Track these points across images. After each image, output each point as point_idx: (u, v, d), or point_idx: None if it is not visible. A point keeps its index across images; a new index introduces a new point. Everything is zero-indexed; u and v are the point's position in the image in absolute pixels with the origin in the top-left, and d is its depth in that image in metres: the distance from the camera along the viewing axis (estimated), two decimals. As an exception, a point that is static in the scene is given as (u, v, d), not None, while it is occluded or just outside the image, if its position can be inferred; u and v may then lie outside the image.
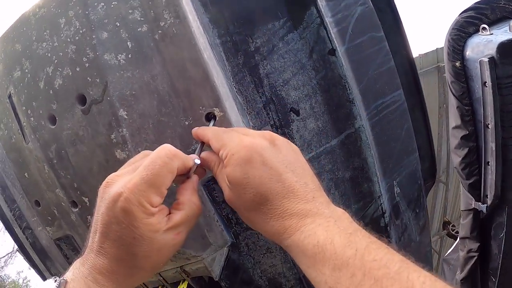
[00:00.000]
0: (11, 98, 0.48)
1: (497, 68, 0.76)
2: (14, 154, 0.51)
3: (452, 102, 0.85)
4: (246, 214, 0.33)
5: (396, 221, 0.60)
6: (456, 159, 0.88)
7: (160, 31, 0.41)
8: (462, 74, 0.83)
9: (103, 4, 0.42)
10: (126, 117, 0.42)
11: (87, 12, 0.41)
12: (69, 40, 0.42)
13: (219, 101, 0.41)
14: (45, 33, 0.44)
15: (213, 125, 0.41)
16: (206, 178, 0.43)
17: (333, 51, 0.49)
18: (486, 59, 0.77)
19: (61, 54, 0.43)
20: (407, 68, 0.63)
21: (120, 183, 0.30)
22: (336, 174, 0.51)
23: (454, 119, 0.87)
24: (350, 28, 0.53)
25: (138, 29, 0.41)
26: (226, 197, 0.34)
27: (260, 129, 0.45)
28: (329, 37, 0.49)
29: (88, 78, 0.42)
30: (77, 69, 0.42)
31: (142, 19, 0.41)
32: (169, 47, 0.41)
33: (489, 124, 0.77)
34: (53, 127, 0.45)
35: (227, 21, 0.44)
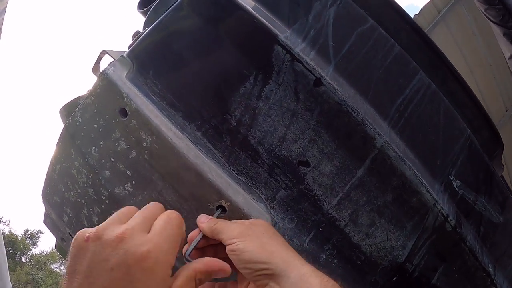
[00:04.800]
0: (72, 236, 0.56)
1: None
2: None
3: (496, 31, 0.66)
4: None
5: (466, 217, 0.51)
6: None
7: (146, 151, 0.42)
8: (496, -6, 0.63)
9: (94, 147, 0.44)
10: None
11: (86, 160, 0.45)
12: (86, 185, 0.47)
13: (221, 193, 0.40)
14: (68, 183, 0.50)
15: (220, 216, 0.40)
16: None
17: (318, 81, 0.42)
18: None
19: (86, 197, 0.48)
20: (417, 40, 0.50)
21: (140, 240, 0.28)
22: (375, 203, 0.45)
23: (506, 48, 0.68)
24: (330, 40, 0.45)
25: (130, 157, 0.43)
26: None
27: (274, 198, 0.43)
28: (307, 68, 0.42)
29: (112, 211, 0.46)
30: (102, 206, 0.47)
31: (128, 146, 0.43)
32: (159, 162, 0.42)
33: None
34: (108, 252, 0.51)
35: (199, 110, 0.42)
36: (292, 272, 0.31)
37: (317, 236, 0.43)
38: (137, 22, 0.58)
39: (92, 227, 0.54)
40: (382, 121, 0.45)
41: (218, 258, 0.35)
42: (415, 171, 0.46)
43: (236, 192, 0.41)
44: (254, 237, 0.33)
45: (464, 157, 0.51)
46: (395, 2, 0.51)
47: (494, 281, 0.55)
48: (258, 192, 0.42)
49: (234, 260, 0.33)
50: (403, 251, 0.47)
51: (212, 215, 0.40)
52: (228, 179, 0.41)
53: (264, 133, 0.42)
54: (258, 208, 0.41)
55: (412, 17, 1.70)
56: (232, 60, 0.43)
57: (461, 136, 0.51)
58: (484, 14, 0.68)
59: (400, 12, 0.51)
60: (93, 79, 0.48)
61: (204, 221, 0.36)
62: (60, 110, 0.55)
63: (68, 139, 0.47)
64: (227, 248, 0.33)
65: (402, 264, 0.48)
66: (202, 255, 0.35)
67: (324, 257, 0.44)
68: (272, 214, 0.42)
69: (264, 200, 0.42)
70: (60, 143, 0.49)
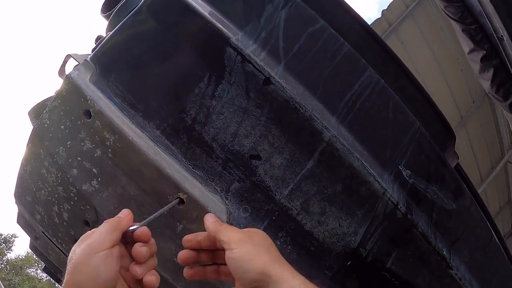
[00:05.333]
0: (45, 233, 0.62)
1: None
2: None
3: (456, 27, 0.73)
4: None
5: (417, 204, 0.57)
6: (486, 84, 0.76)
7: (110, 150, 0.48)
8: (453, -8, 0.70)
9: (62, 147, 0.50)
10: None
11: (55, 159, 0.51)
12: (55, 183, 0.53)
13: (179, 186, 0.46)
14: (39, 182, 0.55)
15: (179, 206, 0.46)
16: None
17: (267, 80, 0.48)
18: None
19: (56, 195, 0.54)
20: (368, 40, 0.57)
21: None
22: (325, 193, 0.52)
23: (466, 44, 0.75)
24: (280, 41, 0.51)
25: (95, 155, 0.49)
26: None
27: (228, 189, 0.49)
28: (256, 68, 0.48)
29: (81, 207, 0.52)
30: (71, 203, 0.53)
31: (93, 145, 0.49)
32: (122, 160, 0.48)
33: (502, 35, 0.64)
34: (80, 247, 0.57)
35: (157, 110, 0.48)
36: (283, 285, 0.35)
37: (271, 224, 0.50)
38: (103, 24, 0.63)
39: (63, 223, 0.60)
40: (331, 116, 0.51)
41: (213, 264, 0.40)
42: (363, 162, 0.52)
43: (192, 185, 0.47)
44: (252, 247, 0.37)
45: (414, 148, 0.57)
46: (346, 3, 0.57)
47: (450, 264, 0.62)
48: (214, 185, 0.48)
49: (231, 267, 0.37)
50: (355, 237, 0.54)
51: (175, 206, 0.46)
52: (185, 173, 0.47)
53: (218, 129, 0.48)
54: (214, 200, 0.47)
55: (381, 12, 1.78)
56: (188, 62, 0.49)
57: (410, 129, 0.57)
58: (444, 11, 0.75)
59: (350, 13, 0.57)
60: (59, 81, 0.53)
61: (211, 220, 0.41)
62: (29, 112, 0.61)
63: (37, 141, 0.53)
64: (226, 254, 0.37)
65: (355, 249, 0.54)
66: (198, 257, 0.41)
67: (279, 243, 0.50)
68: (227, 204, 0.48)
69: (219, 191, 0.48)
70: (29, 144, 0.54)
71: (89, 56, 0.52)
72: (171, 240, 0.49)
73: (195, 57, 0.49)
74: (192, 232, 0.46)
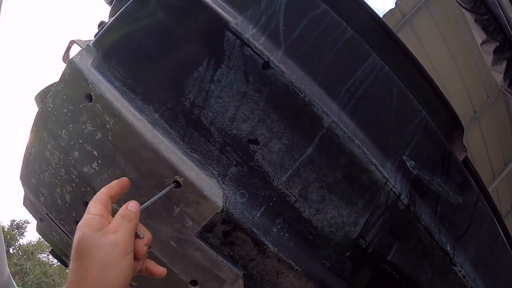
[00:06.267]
0: (49, 215, 0.66)
1: None
2: (70, 250, 0.70)
3: (468, 17, 0.72)
4: None
5: (421, 196, 0.57)
6: (498, 76, 0.75)
7: (110, 132, 0.50)
8: (469, -24, 0.69)
9: (64, 130, 0.53)
10: (118, 207, 0.53)
11: (57, 142, 0.54)
12: (58, 165, 0.56)
13: (176, 169, 0.48)
14: (42, 165, 0.59)
15: (176, 189, 0.48)
16: (198, 230, 0.51)
17: (266, 64, 0.50)
18: None
19: (59, 177, 0.57)
20: (372, 25, 0.57)
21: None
22: (325, 180, 0.52)
23: (478, 34, 0.74)
24: (280, 25, 0.52)
25: (96, 138, 0.51)
26: None
27: (226, 174, 0.50)
28: (255, 52, 0.49)
29: (82, 189, 0.55)
30: (73, 184, 0.56)
31: (94, 128, 0.51)
32: (121, 142, 0.50)
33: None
34: (81, 229, 0.60)
35: (156, 93, 0.50)
36: None
37: (268, 210, 0.51)
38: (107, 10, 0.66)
39: (65, 205, 0.63)
40: (332, 102, 0.52)
41: None
42: (364, 150, 0.52)
43: (189, 168, 0.49)
44: None
45: (419, 138, 0.57)
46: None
47: (453, 261, 0.62)
48: (211, 169, 0.50)
49: None
50: (355, 227, 0.54)
51: (172, 189, 0.48)
52: (182, 156, 0.49)
53: (216, 113, 0.50)
54: (211, 183, 0.49)
55: (395, 2, 1.75)
56: (187, 46, 0.51)
57: (415, 117, 0.57)
58: (456, 1, 0.74)
59: (354, -3, 0.57)
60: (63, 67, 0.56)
61: None
62: (35, 97, 0.64)
63: (41, 124, 0.56)
64: None
65: (355, 240, 0.55)
66: None
67: (276, 230, 0.52)
68: (224, 189, 0.50)
69: (216, 175, 0.50)
70: (34, 128, 0.58)
71: (91, 42, 0.55)
72: (168, 223, 0.51)
73: (194, 41, 0.51)
74: (189, 216, 0.48)
